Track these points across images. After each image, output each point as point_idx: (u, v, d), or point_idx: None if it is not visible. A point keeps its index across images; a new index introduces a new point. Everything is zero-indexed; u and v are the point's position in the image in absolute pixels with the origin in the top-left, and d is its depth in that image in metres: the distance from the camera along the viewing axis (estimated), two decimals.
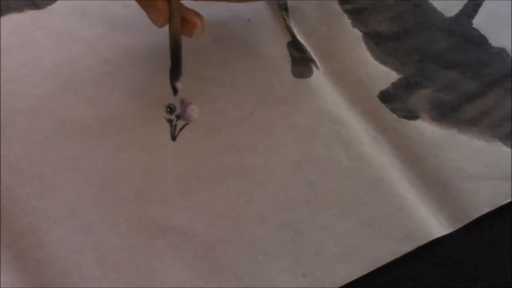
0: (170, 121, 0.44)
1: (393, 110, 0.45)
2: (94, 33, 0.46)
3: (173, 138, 0.43)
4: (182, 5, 0.42)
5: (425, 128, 0.45)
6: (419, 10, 0.50)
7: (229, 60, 0.46)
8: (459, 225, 0.42)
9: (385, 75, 0.47)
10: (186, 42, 0.43)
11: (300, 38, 0.48)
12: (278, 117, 0.45)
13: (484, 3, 0.50)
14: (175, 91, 0.43)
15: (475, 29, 0.49)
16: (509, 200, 0.42)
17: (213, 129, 0.44)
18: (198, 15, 0.42)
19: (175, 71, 0.43)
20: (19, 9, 0.47)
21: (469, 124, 0.45)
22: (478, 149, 0.44)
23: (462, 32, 0.49)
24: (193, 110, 0.44)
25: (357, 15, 0.49)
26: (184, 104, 0.44)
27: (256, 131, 0.44)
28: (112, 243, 0.39)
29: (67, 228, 0.39)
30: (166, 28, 0.41)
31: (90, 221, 0.40)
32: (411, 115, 0.45)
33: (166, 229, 0.40)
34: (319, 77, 0.47)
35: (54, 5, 0.47)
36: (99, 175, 0.41)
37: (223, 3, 0.44)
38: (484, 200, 0.42)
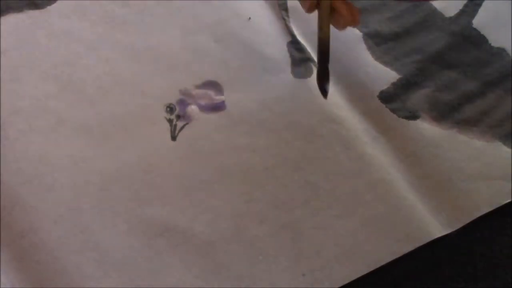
0: (170, 121, 0.44)
1: (393, 110, 0.45)
2: (94, 33, 0.46)
3: (173, 138, 0.43)
4: None
5: (425, 128, 0.45)
6: (419, 10, 0.50)
7: (229, 60, 0.46)
8: (459, 225, 0.42)
9: (385, 75, 0.47)
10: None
11: (300, 38, 0.48)
12: (278, 117, 0.44)
13: (484, 3, 0.50)
14: (325, 93, 0.43)
15: (475, 29, 0.49)
16: (509, 200, 0.42)
17: (213, 129, 0.44)
18: (351, 6, 0.40)
19: (323, 73, 0.43)
20: (19, 9, 0.47)
21: (469, 124, 0.45)
22: (478, 149, 0.44)
23: (462, 32, 0.49)
24: (193, 110, 0.44)
25: None
26: (184, 104, 0.44)
27: (256, 131, 0.44)
28: (112, 243, 0.39)
29: (67, 228, 0.39)
30: (166, 28, 0.41)
31: (90, 221, 0.40)
32: (411, 115, 0.45)
33: (166, 229, 0.40)
34: None
35: (54, 5, 0.47)
36: (99, 175, 0.41)
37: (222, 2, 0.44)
38: (484, 200, 0.42)
